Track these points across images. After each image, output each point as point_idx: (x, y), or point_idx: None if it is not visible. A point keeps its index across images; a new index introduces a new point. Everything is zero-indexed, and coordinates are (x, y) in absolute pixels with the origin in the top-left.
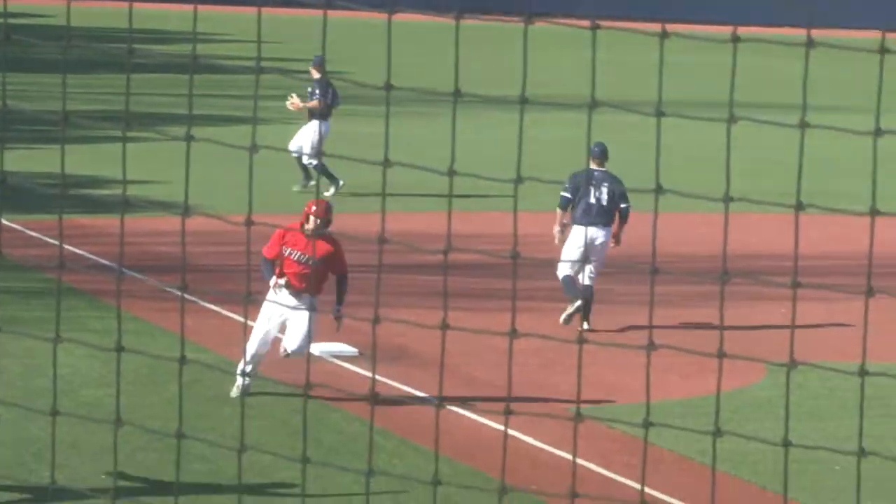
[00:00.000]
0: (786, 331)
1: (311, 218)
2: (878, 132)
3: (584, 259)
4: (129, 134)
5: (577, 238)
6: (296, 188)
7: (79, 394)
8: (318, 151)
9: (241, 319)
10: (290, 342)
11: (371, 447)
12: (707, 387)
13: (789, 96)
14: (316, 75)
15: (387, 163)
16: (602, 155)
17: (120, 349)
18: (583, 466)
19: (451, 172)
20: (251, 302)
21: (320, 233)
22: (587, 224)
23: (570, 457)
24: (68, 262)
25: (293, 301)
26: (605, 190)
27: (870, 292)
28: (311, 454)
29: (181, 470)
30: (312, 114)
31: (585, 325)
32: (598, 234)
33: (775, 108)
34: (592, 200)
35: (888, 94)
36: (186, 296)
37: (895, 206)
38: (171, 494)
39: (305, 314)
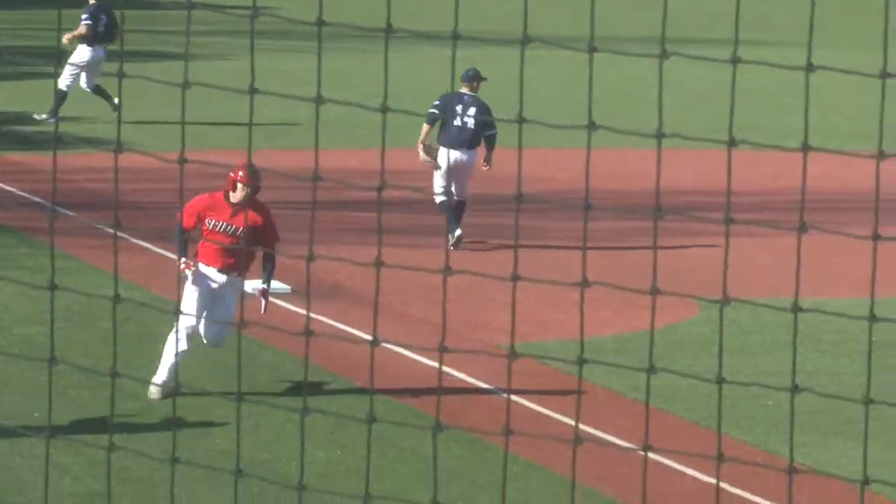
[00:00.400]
0: (718, 266)
1: (239, 186)
2: (809, 67)
3: (451, 179)
4: (61, 70)
5: (443, 161)
6: (113, 112)
7: (10, 331)
8: (87, 75)
9: (175, 257)
10: (206, 332)
11: (305, 385)
12: (639, 323)
13: (722, 31)
14: (91, 0)
15: (319, 99)
16: (473, 79)
17: (53, 287)
18: (516, 402)
19: (385, 108)
20: (186, 240)
21: (248, 201)
22: (453, 147)
23: (503, 393)
24: None
25: (216, 282)
26: (471, 114)
27: (802, 228)
28: (244, 392)
29: (114, 408)
30: (83, 40)
31: (458, 232)
32: (462, 157)
33: (708, 44)
34: (458, 123)
35: (820, 28)
36: (119, 233)
37: (827, 141)
38: (104, 432)
39: (229, 302)
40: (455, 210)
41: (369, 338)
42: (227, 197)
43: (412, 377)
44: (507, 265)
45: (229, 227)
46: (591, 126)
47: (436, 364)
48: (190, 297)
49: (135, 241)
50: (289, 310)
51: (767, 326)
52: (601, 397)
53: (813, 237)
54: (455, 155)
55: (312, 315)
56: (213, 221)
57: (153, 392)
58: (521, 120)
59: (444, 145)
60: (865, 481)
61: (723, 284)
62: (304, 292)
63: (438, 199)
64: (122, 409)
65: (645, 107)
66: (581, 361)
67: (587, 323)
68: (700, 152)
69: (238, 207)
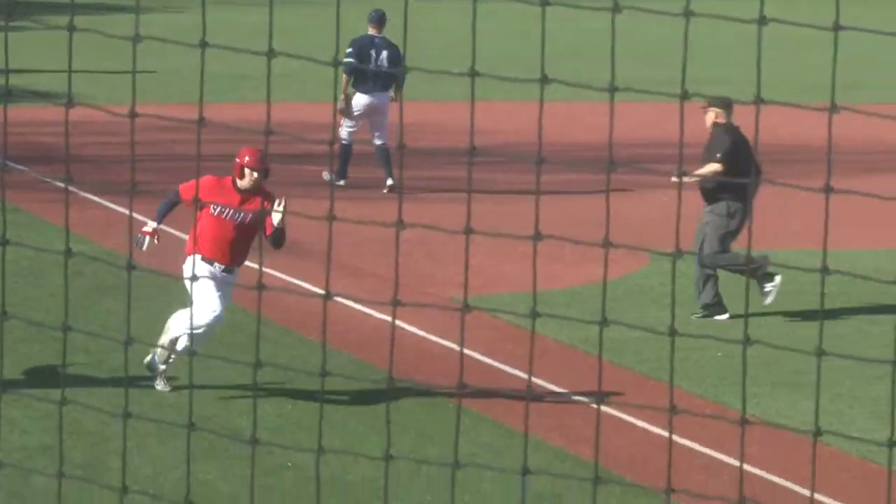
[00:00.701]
0: (670, 219)
1: (247, 171)
2: (762, 20)
3: (361, 123)
4: (11, 23)
5: (359, 104)
6: None
7: None
8: None
9: (125, 211)
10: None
11: (258, 338)
12: (590, 275)
13: None
14: None
15: (271, 53)
16: (379, 21)
17: (4, 242)
18: (468, 356)
19: (336, 62)
20: (136, 193)
21: (257, 186)
22: (367, 91)
23: (455, 346)
24: None
25: (217, 277)
26: (384, 56)
27: (754, 180)
28: (195, 345)
29: (65, 362)
30: None
31: (389, 182)
32: (377, 98)
33: None
34: (372, 66)
35: None
36: (69, 187)
37: (779, 94)
38: (55, 386)
39: (226, 289)
40: (382, 159)
41: (321, 291)
42: (234, 184)
43: (364, 331)
44: (460, 218)
45: (237, 215)
46: (544, 79)
47: (388, 318)
48: (205, 291)
49: (85, 194)
50: None
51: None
52: (553, 350)
53: (765, 189)
54: (371, 99)
55: (264, 269)
56: (220, 207)
57: (160, 384)
58: (473, 73)
59: (360, 90)
60: (818, 432)
61: (675, 236)
62: (256, 245)
63: (344, 140)
64: (72, 363)
65: (597, 60)
66: (533, 315)
67: (539, 276)
68: (653, 105)
69: (247, 194)
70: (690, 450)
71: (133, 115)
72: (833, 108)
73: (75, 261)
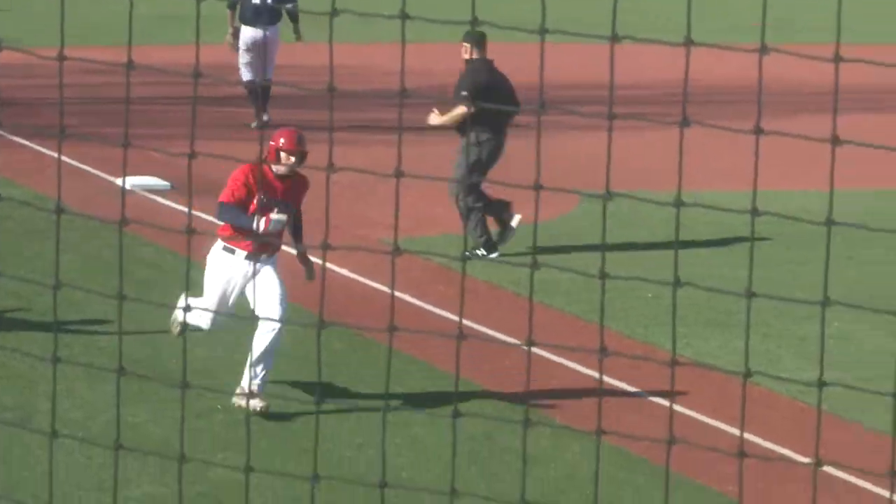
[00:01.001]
0: (600, 160)
1: (283, 155)
2: None
3: (254, 57)
4: None
5: (246, 39)
6: None
7: None
8: None
9: (55, 154)
10: (268, 313)
11: (188, 282)
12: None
13: None
14: None
15: None
16: None
17: None
18: (398, 298)
19: (273, 8)
20: (66, 137)
21: (294, 170)
22: (254, 24)
23: (385, 288)
24: None
25: (251, 264)
26: None
27: (684, 122)
28: (124, 289)
29: None
30: None
31: (266, 118)
32: (263, 33)
33: None
34: (257, 1)
35: None
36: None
37: (710, 35)
38: None
39: (270, 274)
40: (263, 93)
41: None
42: (272, 170)
43: (294, 274)
44: (390, 160)
45: (280, 204)
46: (475, 21)
47: (318, 260)
48: (218, 281)
49: (14, 138)
50: (167, 206)
51: (648, 219)
52: (482, 291)
53: (694, 130)
54: (256, 32)
55: (193, 213)
56: (257, 196)
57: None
58: (403, 16)
59: (247, 23)
60: (748, 373)
61: (605, 179)
62: (185, 189)
63: (245, 77)
64: (1, 308)
65: (526, 1)
66: (464, 258)
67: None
68: (583, 46)
69: (286, 180)
70: (621, 391)
71: (61, 58)
72: (763, 50)
73: (5, 205)
